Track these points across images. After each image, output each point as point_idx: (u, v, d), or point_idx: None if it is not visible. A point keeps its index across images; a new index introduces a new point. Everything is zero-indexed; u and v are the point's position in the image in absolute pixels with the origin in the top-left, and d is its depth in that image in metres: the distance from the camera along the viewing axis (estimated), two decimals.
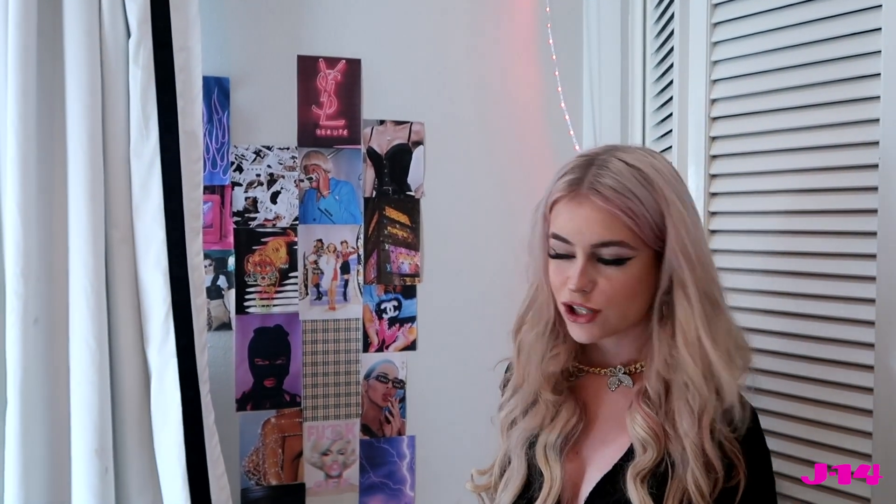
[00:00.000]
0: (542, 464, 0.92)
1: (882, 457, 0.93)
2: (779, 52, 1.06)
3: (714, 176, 1.15)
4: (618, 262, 0.84)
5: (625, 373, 0.92)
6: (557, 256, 0.87)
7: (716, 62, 1.14)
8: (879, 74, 0.93)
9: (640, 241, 0.83)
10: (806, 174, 1.04)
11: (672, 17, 1.27)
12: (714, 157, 1.15)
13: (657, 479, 0.84)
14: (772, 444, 1.04)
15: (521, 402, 0.96)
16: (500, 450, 0.99)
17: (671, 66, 1.27)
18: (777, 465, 1.04)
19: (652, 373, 0.87)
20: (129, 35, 1.19)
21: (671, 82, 1.27)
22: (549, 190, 0.88)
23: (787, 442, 1.05)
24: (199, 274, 1.25)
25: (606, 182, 0.83)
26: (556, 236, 0.87)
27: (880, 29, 0.93)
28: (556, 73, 1.59)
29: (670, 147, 1.26)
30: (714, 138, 1.15)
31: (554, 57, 1.59)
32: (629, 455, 0.87)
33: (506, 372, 1.05)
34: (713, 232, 1.15)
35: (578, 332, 0.88)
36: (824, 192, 1.02)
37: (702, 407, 0.83)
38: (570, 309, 0.87)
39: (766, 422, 1.05)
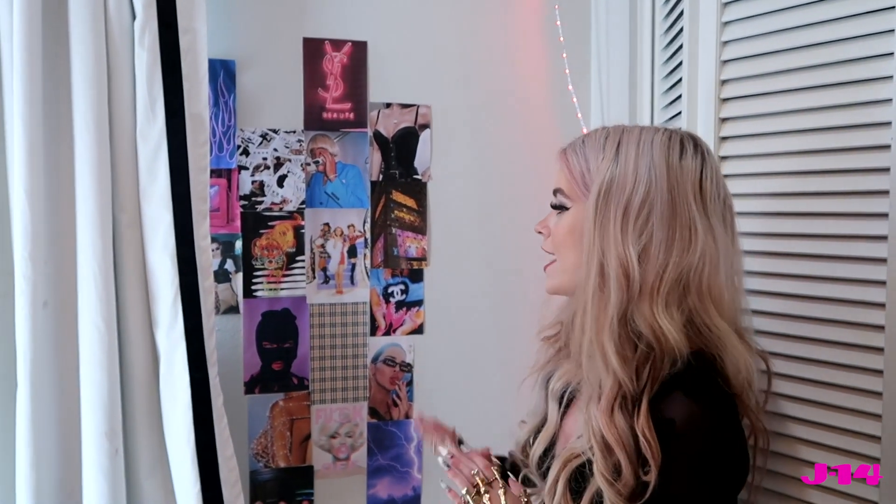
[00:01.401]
0: (549, 405, 0.98)
1: (891, 441, 0.92)
2: (790, 31, 1.04)
3: (724, 158, 1.14)
4: (559, 210, 0.92)
5: None
6: None
7: (726, 42, 1.13)
8: (893, 54, 0.92)
9: (576, 193, 0.89)
10: (817, 155, 1.03)
11: None
12: (724, 138, 1.14)
13: (585, 466, 0.84)
14: (790, 427, 1.05)
15: (544, 347, 1.03)
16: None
17: (680, 47, 1.26)
18: (787, 447, 1.05)
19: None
20: (134, 17, 1.18)
21: (680, 63, 1.26)
22: None
23: (794, 424, 1.04)
24: (207, 257, 1.25)
25: (576, 140, 0.92)
26: None
27: (894, 7, 0.92)
28: (564, 55, 1.58)
29: (679, 128, 1.25)
30: (724, 119, 1.14)
31: (562, 39, 1.58)
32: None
33: None
34: None
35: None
36: (835, 173, 1.01)
37: (601, 385, 0.82)
38: None
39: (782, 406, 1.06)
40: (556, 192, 0.93)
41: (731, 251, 0.88)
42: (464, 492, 0.96)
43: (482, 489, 0.94)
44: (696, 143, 0.88)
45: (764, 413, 0.98)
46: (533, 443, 0.99)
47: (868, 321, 0.95)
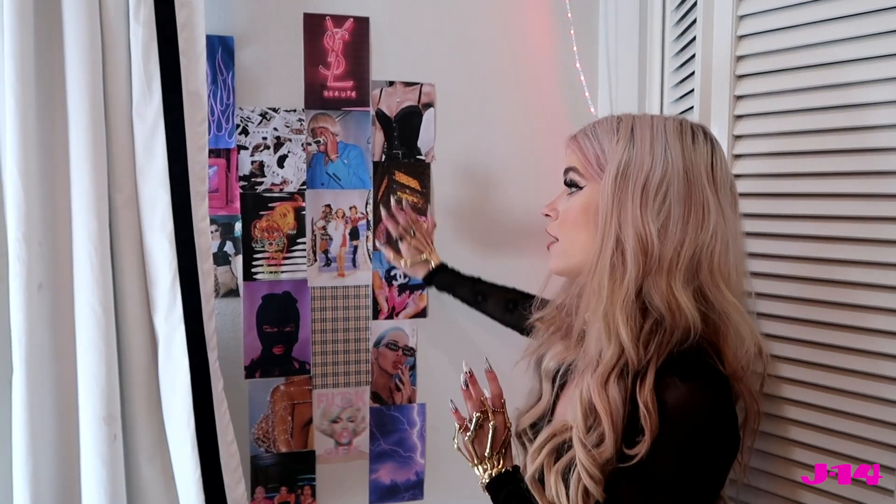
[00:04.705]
0: (543, 385, 1.01)
1: None
2: (808, 5, 1.01)
3: (738, 137, 1.11)
4: (571, 191, 0.93)
5: None
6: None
7: (742, 17, 1.09)
8: None
9: (589, 173, 0.90)
10: (834, 134, 0.99)
11: None
12: (738, 116, 1.11)
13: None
14: (800, 435, 1.03)
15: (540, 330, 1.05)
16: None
17: (694, 21, 1.22)
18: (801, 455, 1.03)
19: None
20: None
21: (693, 39, 1.22)
22: None
23: (809, 431, 1.02)
24: (206, 239, 1.22)
25: (586, 126, 0.93)
26: None
27: None
28: (572, 31, 1.54)
29: (692, 108, 1.21)
30: (739, 97, 1.10)
31: (569, 15, 1.54)
32: None
33: None
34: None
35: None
36: (853, 152, 0.97)
37: (601, 354, 0.84)
38: None
39: (783, 390, 1.03)
40: (568, 170, 0.93)
41: (738, 233, 0.90)
42: (473, 415, 1.03)
43: (482, 419, 1.02)
44: (705, 132, 0.90)
45: (761, 395, 0.99)
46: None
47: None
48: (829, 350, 0.99)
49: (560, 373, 0.98)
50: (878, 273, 0.94)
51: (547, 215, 0.98)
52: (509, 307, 1.34)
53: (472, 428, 1.02)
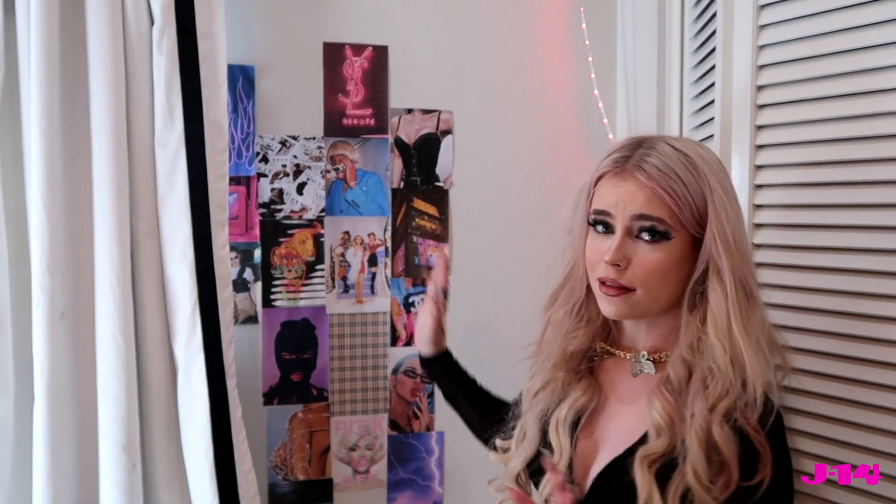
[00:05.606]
0: (553, 436, 0.93)
1: None
2: (829, 35, 1.00)
3: (760, 167, 1.10)
4: (654, 240, 0.84)
5: (648, 359, 0.92)
6: (596, 228, 0.89)
7: (762, 46, 1.08)
8: None
9: (679, 222, 0.84)
10: (861, 165, 0.98)
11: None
12: (760, 146, 1.10)
13: (666, 467, 0.82)
14: (813, 447, 1.01)
15: (541, 376, 0.99)
16: (523, 419, 1.00)
17: (713, 50, 1.21)
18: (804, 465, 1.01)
19: (676, 358, 0.87)
20: (152, 22, 1.17)
21: (713, 68, 1.21)
22: (596, 168, 0.90)
23: (828, 445, 1.00)
24: (226, 267, 1.23)
25: (652, 161, 0.84)
26: (597, 211, 0.88)
27: None
28: (590, 59, 1.54)
29: (711, 136, 1.21)
30: (760, 126, 1.09)
31: (587, 42, 1.54)
32: (643, 441, 0.86)
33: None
34: (758, 226, 1.10)
35: (608, 306, 0.88)
36: (876, 184, 0.96)
37: (722, 393, 0.82)
38: (604, 282, 0.87)
39: (804, 423, 1.02)
40: (649, 218, 0.84)
41: None
42: None
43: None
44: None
45: None
46: (531, 473, 0.96)
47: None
48: (835, 360, 0.99)
49: (583, 417, 0.93)
50: None
51: (616, 264, 0.85)
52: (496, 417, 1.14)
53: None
